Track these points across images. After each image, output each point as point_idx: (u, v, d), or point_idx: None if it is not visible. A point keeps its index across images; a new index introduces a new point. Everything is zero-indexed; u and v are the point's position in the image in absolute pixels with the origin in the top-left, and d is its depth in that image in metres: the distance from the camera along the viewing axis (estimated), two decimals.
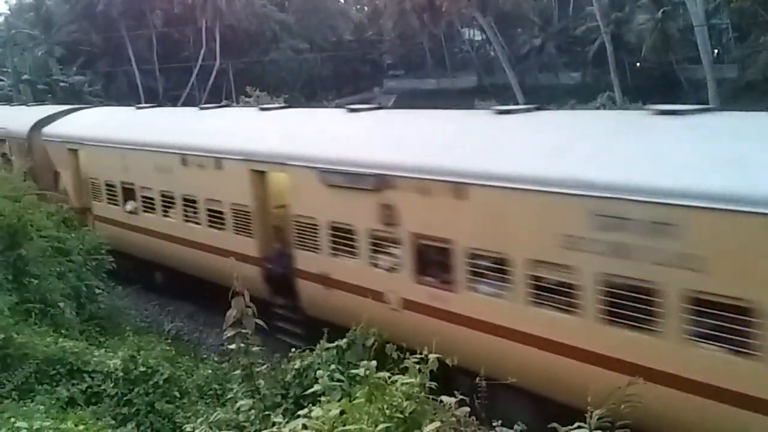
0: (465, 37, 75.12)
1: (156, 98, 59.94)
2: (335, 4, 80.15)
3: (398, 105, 52.22)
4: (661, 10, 49.20)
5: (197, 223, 15.25)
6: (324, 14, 74.60)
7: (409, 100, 58.15)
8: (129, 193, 17.47)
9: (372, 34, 78.43)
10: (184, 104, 57.74)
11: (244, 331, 6.59)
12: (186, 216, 15.62)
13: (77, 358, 8.75)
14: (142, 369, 8.69)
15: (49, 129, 20.94)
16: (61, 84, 56.21)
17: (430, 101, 52.39)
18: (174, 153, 15.63)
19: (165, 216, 16.31)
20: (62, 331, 10.14)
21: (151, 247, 16.99)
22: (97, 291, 13.34)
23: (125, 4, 63.75)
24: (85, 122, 20.71)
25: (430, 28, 67.24)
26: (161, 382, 8.63)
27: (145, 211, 16.98)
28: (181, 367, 9.65)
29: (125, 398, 8.39)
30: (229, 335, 6.67)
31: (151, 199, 16.59)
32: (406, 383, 4.90)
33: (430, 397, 4.95)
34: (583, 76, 59.95)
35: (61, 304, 11.07)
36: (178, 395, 8.67)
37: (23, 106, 26.98)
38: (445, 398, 4.96)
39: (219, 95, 61.25)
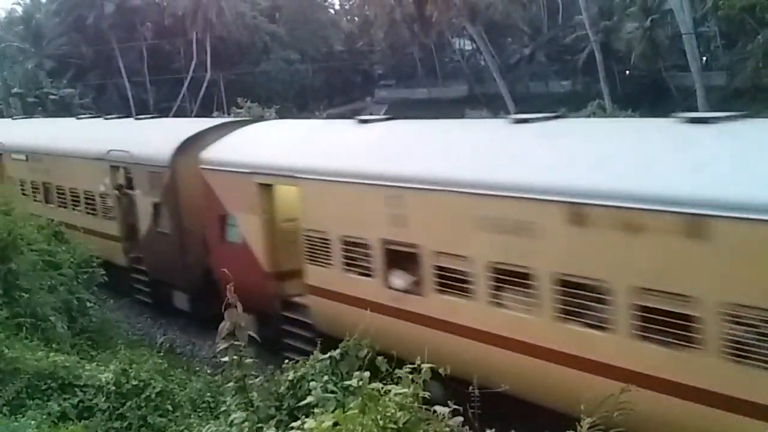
0: (455, 46, 75.39)
1: (147, 110, 59.88)
2: (326, 15, 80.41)
3: (390, 114, 52.14)
4: (650, 19, 49.60)
5: None
6: (315, 25, 74.80)
7: (401, 110, 58.25)
8: (399, 260, 10.81)
9: (363, 45, 78.65)
10: (176, 116, 57.73)
11: (237, 343, 6.58)
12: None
13: (69, 372, 8.71)
14: (134, 382, 8.65)
15: (213, 153, 14.56)
16: (51, 97, 56.09)
17: (421, 111, 52.50)
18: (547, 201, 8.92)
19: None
20: (53, 345, 10.09)
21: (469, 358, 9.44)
22: (89, 304, 13.27)
23: (116, 16, 63.74)
24: (278, 143, 14.27)
25: (420, 38, 67.47)
26: (153, 396, 8.58)
27: (442, 291, 10.11)
28: (174, 380, 9.59)
29: (117, 412, 8.35)
30: (221, 347, 6.66)
31: (461, 274, 9.79)
32: (400, 393, 4.90)
33: (424, 407, 4.94)
34: (573, 85, 60.25)
35: (52, 318, 11.00)
36: (171, 409, 8.62)
37: (141, 120, 21.26)
38: (438, 408, 4.95)
39: (210, 107, 61.26)
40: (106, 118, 22.79)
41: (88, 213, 18.91)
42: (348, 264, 11.57)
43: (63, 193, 20.12)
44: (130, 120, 22.40)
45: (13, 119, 30.86)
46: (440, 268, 10.03)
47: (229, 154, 14.43)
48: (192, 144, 15.68)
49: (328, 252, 11.91)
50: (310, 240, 12.30)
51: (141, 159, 16.73)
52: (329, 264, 11.92)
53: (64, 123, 25.82)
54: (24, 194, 20.99)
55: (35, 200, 21.00)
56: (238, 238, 13.89)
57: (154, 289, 17.21)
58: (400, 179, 10.59)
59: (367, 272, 11.25)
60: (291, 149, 13.54)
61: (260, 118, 26.25)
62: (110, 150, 17.88)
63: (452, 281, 9.84)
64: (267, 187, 13.30)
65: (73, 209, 19.55)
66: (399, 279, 10.82)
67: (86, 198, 19.06)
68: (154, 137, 17.69)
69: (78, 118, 25.27)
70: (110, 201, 18.07)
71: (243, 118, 22.96)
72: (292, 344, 12.51)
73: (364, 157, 11.94)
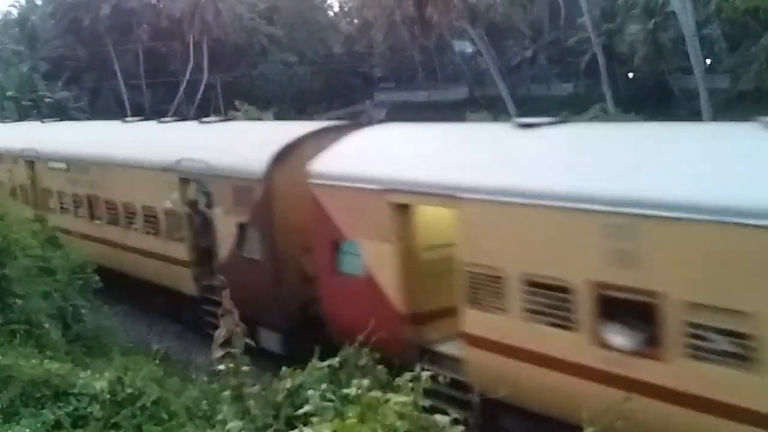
0: (456, 49, 75.38)
1: (143, 113, 59.86)
2: (325, 17, 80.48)
3: (390, 118, 52.25)
4: (653, 21, 49.56)
5: None
6: (314, 27, 74.86)
7: (400, 113, 58.23)
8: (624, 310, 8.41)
9: (362, 47, 78.67)
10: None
11: (233, 351, 6.51)
12: None
13: (63, 380, 8.60)
14: (129, 391, 8.53)
15: (326, 164, 12.10)
16: (47, 100, 56.04)
17: (421, 114, 52.47)
18: None
19: None
20: (48, 353, 9.97)
21: None
22: (83, 311, 13.15)
23: (111, 18, 63.71)
24: (417, 152, 11.72)
25: (420, 40, 67.55)
26: (149, 404, 8.46)
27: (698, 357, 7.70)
28: (170, 389, 9.47)
29: (112, 421, 8.22)
30: (218, 355, 6.58)
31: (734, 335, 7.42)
32: (399, 402, 4.83)
33: (423, 415, 4.87)
34: (575, 87, 60.29)
35: (47, 325, 10.91)
36: (166, 417, 8.49)
37: (209, 123, 18.21)
38: (438, 417, 4.89)
39: (207, 109, 61.23)
40: (161, 122, 20.26)
41: (147, 233, 16.28)
42: (533, 311, 9.08)
43: (114, 209, 17.38)
44: (193, 124, 19.54)
45: (43, 122, 27.33)
46: (696, 326, 7.48)
47: (350, 165, 11.63)
48: (291, 152, 13.09)
49: (500, 293, 9.45)
50: (473, 277, 9.75)
51: (224, 170, 13.99)
52: (502, 309, 9.48)
53: (110, 127, 22.57)
54: (63, 209, 19.36)
55: (77, 216, 18.78)
56: (358, 270, 11.28)
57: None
58: (630, 203, 7.99)
59: (565, 323, 8.74)
60: (440, 160, 10.89)
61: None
62: (181, 159, 15.15)
63: (716, 344, 7.38)
64: (404, 208, 10.76)
65: (128, 228, 16.93)
66: (622, 335, 8.31)
67: (146, 215, 16.33)
68: (238, 144, 15.05)
69: (125, 122, 22.39)
70: (178, 219, 15.34)
71: (346, 122, 18.61)
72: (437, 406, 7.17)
73: (559, 171, 9.30)
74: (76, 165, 18.83)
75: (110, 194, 17.52)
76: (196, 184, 15.33)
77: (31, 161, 20.94)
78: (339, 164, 11.87)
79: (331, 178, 11.69)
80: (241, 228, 13.56)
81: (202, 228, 15.07)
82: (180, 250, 15.26)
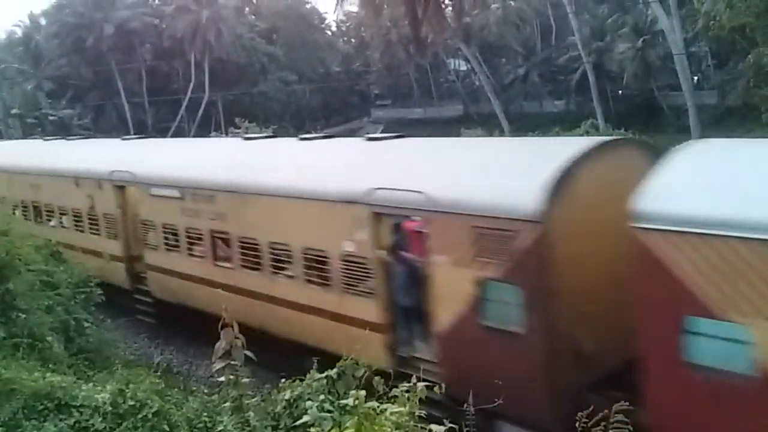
0: (450, 67, 76.06)
1: (145, 131, 60.08)
2: (323, 37, 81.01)
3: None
4: (642, 39, 50.18)
5: None
6: (312, 46, 75.38)
7: (397, 130, 58.43)
8: None
9: (359, 66, 79.28)
10: (174, 136, 57.93)
11: (233, 363, 6.63)
12: None
13: (65, 392, 8.66)
14: (131, 403, 8.60)
15: (676, 203, 7.85)
16: (50, 118, 56.26)
17: (417, 130, 52.71)
18: None
19: None
20: (50, 366, 10.04)
21: None
22: (86, 324, 13.22)
23: (115, 38, 64.10)
24: None
25: (416, 58, 68.08)
26: (150, 416, 8.53)
27: None
28: (171, 400, 9.53)
29: None
30: (218, 367, 6.70)
31: None
32: (395, 412, 4.93)
33: (420, 425, 4.98)
34: (566, 104, 60.81)
35: (49, 339, 10.98)
36: (168, 429, 8.55)
37: (379, 140, 14.29)
38: (434, 427, 4.99)
39: (208, 127, 61.53)
40: (303, 138, 15.82)
41: (310, 281, 12.41)
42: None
43: (257, 250, 13.43)
44: (356, 140, 16.36)
45: (123, 139, 23.59)
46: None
47: (723, 204, 7.48)
48: (570, 180, 9.19)
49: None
50: None
51: (456, 205, 9.89)
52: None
53: (231, 146, 18.93)
54: (169, 247, 15.79)
55: (194, 255, 15.14)
56: (738, 365, 7.23)
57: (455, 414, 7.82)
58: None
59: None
60: None
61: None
62: (374, 188, 11.09)
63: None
64: None
65: (278, 274, 13.14)
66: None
67: (308, 259, 12.40)
68: (469, 167, 10.95)
69: (246, 138, 18.59)
70: (365, 267, 11.34)
71: (623, 137, 13.85)
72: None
73: None
74: (196, 194, 14.80)
75: (251, 232, 13.55)
76: (395, 222, 11.68)
77: (122, 186, 17.27)
78: (699, 201, 7.67)
79: (686, 222, 7.50)
80: (484, 286, 9.58)
81: (406, 281, 11.19)
82: (366, 309, 11.26)
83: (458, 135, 36.46)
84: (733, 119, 42.95)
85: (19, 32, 69.64)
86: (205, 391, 10.99)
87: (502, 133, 48.30)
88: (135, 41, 66.20)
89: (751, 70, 30.46)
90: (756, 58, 28.95)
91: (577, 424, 4.15)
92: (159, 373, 10.99)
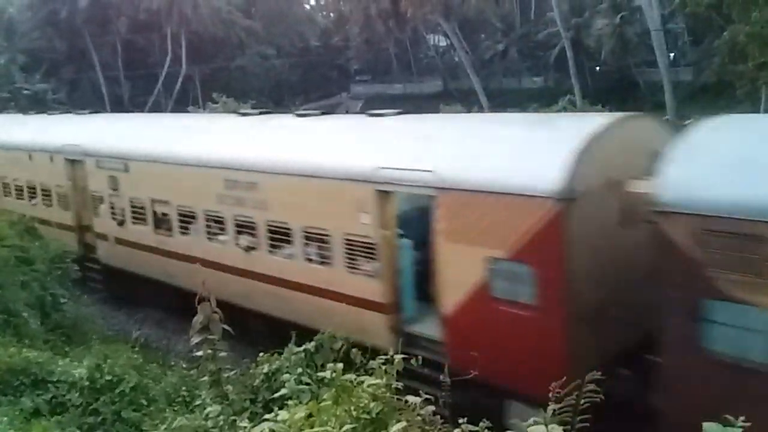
0: (430, 42, 75.67)
1: (121, 105, 59.21)
2: (301, 10, 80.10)
3: (365, 110, 52.18)
4: (620, 15, 50.33)
5: None
6: (290, 20, 74.50)
7: (376, 105, 58.23)
8: None
9: (338, 40, 78.51)
10: (151, 111, 57.19)
11: (211, 337, 6.63)
12: None
13: (41, 368, 8.67)
14: (108, 378, 8.63)
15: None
16: (25, 92, 55.20)
17: (397, 106, 52.50)
18: None
19: None
20: (26, 341, 10.02)
21: None
22: (62, 300, 13.18)
23: (89, 11, 62.80)
24: None
25: (395, 33, 67.66)
26: (128, 391, 8.58)
27: None
28: (149, 375, 9.59)
29: (91, 407, 8.33)
30: (196, 341, 6.70)
31: None
32: (372, 384, 4.98)
33: (396, 397, 5.03)
34: (545, 80, 60.91)
35: (25, 314, 10.94)
36: (146, 403, 8.63)
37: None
38: (410, 398, 5.05)
39: (186, 102, 60.72)
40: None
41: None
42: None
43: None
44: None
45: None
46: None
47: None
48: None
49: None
50: None
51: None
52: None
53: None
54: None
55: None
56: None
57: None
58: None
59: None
60: None
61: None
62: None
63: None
64: None
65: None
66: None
67: (309, 238, 12.15)
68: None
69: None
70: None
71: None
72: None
73: None
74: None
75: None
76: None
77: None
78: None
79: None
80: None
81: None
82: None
83: (437, 111, 36.42)
84: (708, 96, 43.35)
85: None
86: (184, 365, 11.02)
87: (481, 110, 48.31)
88: (110, 14, 64.91)
89: (726, 47, 30.66)
90: (731, 35, 29.13)
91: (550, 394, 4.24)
92: (137, 348, 11.00)
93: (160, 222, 15.87)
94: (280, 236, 12.54)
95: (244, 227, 13.33)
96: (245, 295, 13.04)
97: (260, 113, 17.31)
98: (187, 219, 15.06)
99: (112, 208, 17.10)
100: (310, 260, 12.12)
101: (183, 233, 15.20)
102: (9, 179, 21.17)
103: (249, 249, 13.34)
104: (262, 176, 12.84)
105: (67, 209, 18.79)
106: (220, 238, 14.04)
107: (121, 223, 16.77)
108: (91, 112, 23.77)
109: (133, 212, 16.50)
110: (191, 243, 14.85)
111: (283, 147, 13.24)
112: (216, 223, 14.13)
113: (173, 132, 17.39)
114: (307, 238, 12.11)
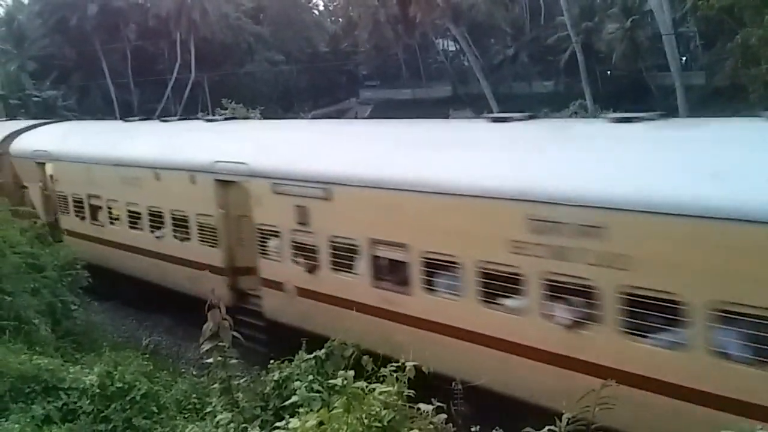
0: (439, 47, 75.72)
1: (131, 112, 59.51)
2: (310, 16, 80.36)
3: (375, 115, 52.35)
4: (630, 19, 50.11)
5: None
6: (299, 26, 74.74)
7: (385, 111, 58.32)
8: None
9: (347, 46, 78.68)
10: (160, 117, 57.41)
11: (221, 344, 6.61)
12: None
13: (52, 375, 8.65)
14: (119, 385, 8.60)
15: None
16: (35, 99, 55.62)
17: (406, 111, 52.59)
18: None
19: None
20: (37, 348, 10.02)
21: None
22: (73, 307, 13.21)
23: (99, 18, 63.26)
24: None
25: (404, 39, 67.77)
26: (138, 398, 8.54)
27: None
28: (159, 382, 9.57)
29: (102, 415, 8.30)
30: (206, 348, 6.68)
31: None
32: (384, 392, 4.94)
33: (408, 405, 4.99)
34: (555, 85, 60.71)
35: (36, 321, 10.94)
36: (156, 410, 8.59)
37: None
38: (422, 406, 5.01)
39: (195, 108, 60.98)
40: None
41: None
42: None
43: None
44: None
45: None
46: None
47: None
48: None
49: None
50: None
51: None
52: None
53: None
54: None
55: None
56: None
57: None
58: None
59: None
60: None
61: None
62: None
63: None
64: None
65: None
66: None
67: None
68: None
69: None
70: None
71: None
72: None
73: None
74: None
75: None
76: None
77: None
78: None
79: None
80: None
81: None
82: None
83: (447, 116, 36.44)
84: (720, 99, 43.03)
85: (1, 12, 68.68)
86: (194, 372, 11.02)
87: (491, 114, 48.24)
88: (119, 21, 65.32)
89: (738, 51, 30.52)
90: (744, 38, 28.99)
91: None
92: (147, 356, 11.00)
93: (386, 271, 11.08)
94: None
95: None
96: None
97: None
98: (446, 270, 10.23)
99: (297, 247, 12.51)
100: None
101: (428, 291, 10.43)
102: (119, 203, 17.10)
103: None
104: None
105: (215, 245, 14.30)
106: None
107: (312, 269, 12.22)
108: (226, 118, 20.30)
109: (335, 255, 11.79)
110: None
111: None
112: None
113: (397, 145, 12.13)
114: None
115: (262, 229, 12.99)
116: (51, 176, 20.06)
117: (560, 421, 3.99)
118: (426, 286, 10.28)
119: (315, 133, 15.35)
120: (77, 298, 13.77)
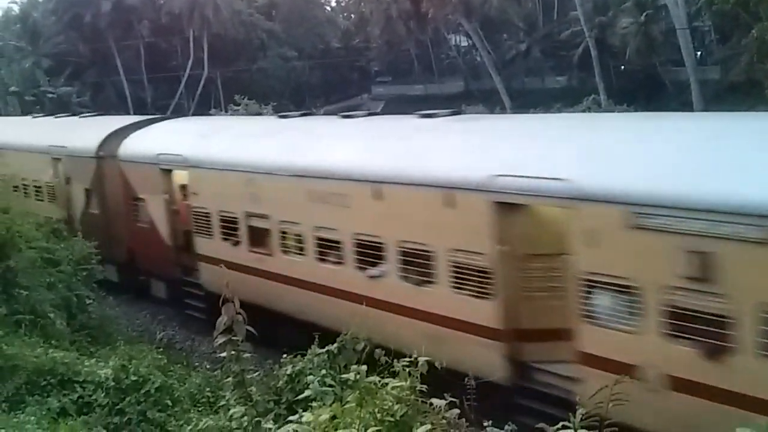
0: (451, 43, 75.45)
1: (144, 108, 59.81)
2: (322, 12, 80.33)
3: (387, 111, 52.25)
4: (645, 14, 49.67)
5: None
6: (311, 22, 74.76)
7: (398, 106, 58.23)
8: None
9: (359, 41, 78.66)
10: (174, 113, 57.71)
11: (234, 338, 6.64)
12: None
13: (68, 368, 8.75)
14: (134, 378, 8.70)
15: None
16: (49, 95, 56.07)
17: (418, 107, 52.48)
18: None
19: None
20: (52, 342, 10.13)
21: None
22: (88, 301, 13.33)
23: (112, 15, 63.60)
24: None
25: (416, 34, 67.61)
26: (153, 391, 8.64)
27: None
28: (173, 376, 9.66)
29: (117, 408, 8.39)
30: (219, 342, 6.71)
31: None
32: (397, 386, 4.95)
33: (420, 399, 4.99)
34: (568, 80, 60.31)
35: (51, 315, 11.06)
36: (170, 404, 8.68)
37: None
38: (435, 400, 5.01)
39: (208, 104, 61.21)
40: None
41: None
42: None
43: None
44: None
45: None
46: None
47: None
48: None
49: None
50: None
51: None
52: None
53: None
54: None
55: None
56: None
57: None
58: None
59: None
60: None
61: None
62: None
63: None
64: None
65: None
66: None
67: None
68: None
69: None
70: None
71: None
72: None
73: None
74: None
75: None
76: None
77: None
78: None
79: None
80: None
81: None
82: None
83: (461, 111, 36.30)
84: (736, 94, 42.61)
85: (16, 9, 69.23)
86: (208, 366, 11.09)
87: (503, 110, 48.08)
88: (132, 18, 65.66)
89: (754, 45, 30.26)
90: (759, 33, 28.74)
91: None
92: (161, 349, 11.08)
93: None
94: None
95: None
96: None
97: None
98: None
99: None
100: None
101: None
102: (302, 227, 13.33)
103: None
104: None
105: (485, 296, 10.27)
106: None
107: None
108: (453, 112, 14.09)
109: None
110: None
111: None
112: None
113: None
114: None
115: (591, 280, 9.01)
116: (183, 187, 16.39)
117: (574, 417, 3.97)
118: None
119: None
120: (92, 292, 13.90)
